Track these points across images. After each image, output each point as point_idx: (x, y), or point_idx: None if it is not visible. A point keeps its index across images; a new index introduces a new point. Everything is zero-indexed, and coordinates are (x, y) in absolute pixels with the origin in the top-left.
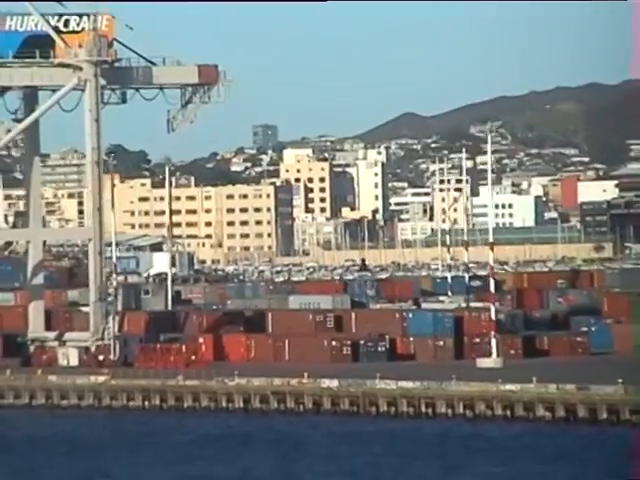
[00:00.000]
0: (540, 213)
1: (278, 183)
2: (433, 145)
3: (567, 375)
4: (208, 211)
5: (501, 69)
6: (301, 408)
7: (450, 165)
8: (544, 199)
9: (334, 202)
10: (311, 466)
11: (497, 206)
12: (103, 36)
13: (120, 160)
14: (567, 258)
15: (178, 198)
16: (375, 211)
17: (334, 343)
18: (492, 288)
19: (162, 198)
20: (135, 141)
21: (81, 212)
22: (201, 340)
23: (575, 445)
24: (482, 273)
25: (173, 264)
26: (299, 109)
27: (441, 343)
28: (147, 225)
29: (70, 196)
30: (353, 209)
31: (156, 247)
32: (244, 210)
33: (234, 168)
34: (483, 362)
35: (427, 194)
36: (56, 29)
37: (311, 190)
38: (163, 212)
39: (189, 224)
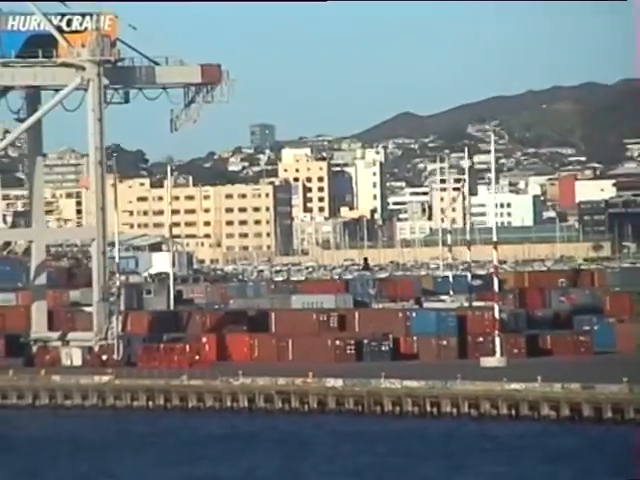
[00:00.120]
0: (538, 212)
1: (277, 183)
2: (430, 145)
3: (571, 374)
4: (207, 211)
5: (497, 69)
6: (306, 408)
7: (448, 165)
8: (542, 198)
9: (332, 202)
10: (316, 466)
11: (495, 205)
12: (106, 36)
13: (118, 160)
14: (566, 257)
15: (177, 198)
16: (374, 210)
17: (338, 343)
18: (496, 287)
19: (161, 198)
20: (133, 141)
21: (79, 212)
22: (204, 340)
23: (580, 444)
24: (481, 272)
25: (172, 264)
26: (296, 109)
27: (444, 342)
28: (146, 225)
29: (68, 196)
30: (352, 208)
31: (155, 247)
32: (243, 210)
33: (231, 168)
34: (487, 361)
35: (425, 193)
36: (59, 29)
37: (309, 190)
38: (162, 212)
39: (188, 224)
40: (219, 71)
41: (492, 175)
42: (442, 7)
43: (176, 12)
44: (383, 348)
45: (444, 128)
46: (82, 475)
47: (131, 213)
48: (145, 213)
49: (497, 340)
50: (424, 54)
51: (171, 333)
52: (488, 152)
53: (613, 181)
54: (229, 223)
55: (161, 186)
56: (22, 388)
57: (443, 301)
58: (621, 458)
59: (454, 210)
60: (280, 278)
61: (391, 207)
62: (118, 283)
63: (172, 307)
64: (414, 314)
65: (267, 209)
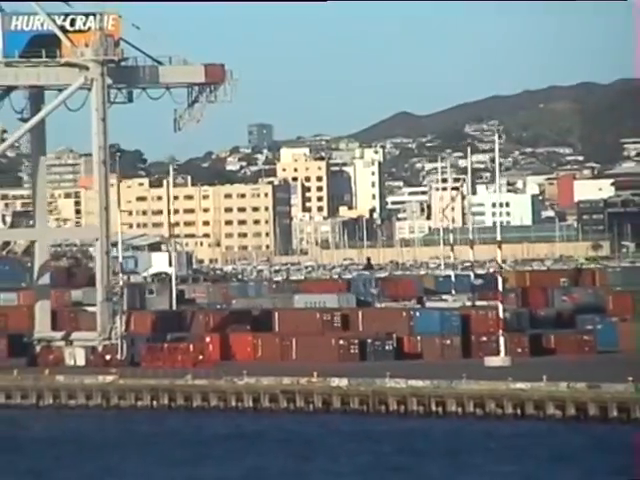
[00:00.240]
0: (537, 212)
1: (276, 182)
2: (428, 144)
3: (575, 373)
4: (206, 210)
5: (494, 68)
6: (311, 407)
7: (448, 164)
8: (540, 198)
9: (331, 201)
10: (321, 465)
11: (494, 205)
12: (110, 35)
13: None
14: (565, 257)
15: (176, 197)
16: (372, 210)
17: (341, 342)
18: (500, 286)
19: (160, 198)
20: (131, 141)
21: (78, 212)
22: (208, 339)
23: (586, 444)
24: (481, 272)
25: (172, 264)
26: (294, 108)
27: (448, 342)
28: (145, 225)
29: (67, 196)
30: (350, 208)
31: (154, 247)
32: (242, 209)
33: (229, 167)
34: (491, 361)
35: (424, 193)
36: (62, 28)
37: (308, 189)
38: (161, 212)
39: (187, 223)
40: (222, 71)
41: (496, 174)
42: (439, 7)
43: (179, 12)
44: (387, 347)
45: (442, 128)
46: (87, 475)
47: (130, 213)
48: (144, 213)
49: (501, 340)
50: (421, 54)
51: (174, 333)
52: (485, 152)
53: (611, 180)
54: (228, 223)
55: (160, 186)
56: (26, 388)
57: (445, 300)
58: (626, 458)
59: (453, 210)
60: (279, 278)
61: (390, 207)
62: (121, 283)
63: (174, 307)
64: (418, 314)
65: (266, 209)
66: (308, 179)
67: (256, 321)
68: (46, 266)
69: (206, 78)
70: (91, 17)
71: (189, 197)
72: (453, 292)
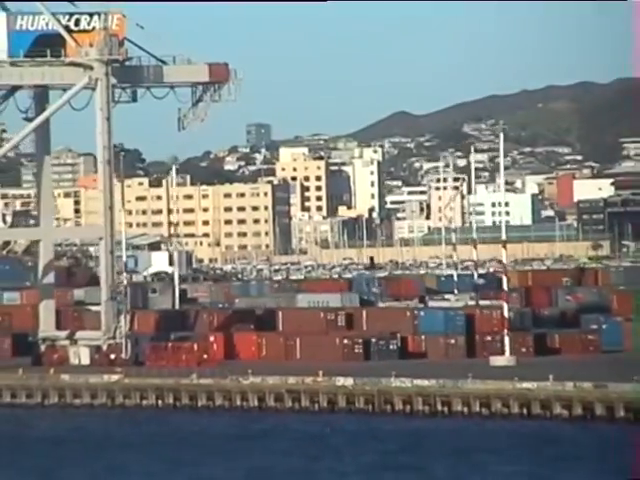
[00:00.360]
0: (537, 211)
1: (275, 182)
2: (427, 144)
3: (581, 373)
4: (205, 210)
5: (492, 68)
6: (316, 407)
7: (449, 164)
8: (540, 197)
9: (330, 201)
10: (327, 465)
11: (494, 204)
12: (114, 35)
13: (116, 159)
14: (565, 256)
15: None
16: (371, 209)
17: (346, 341)
18: (505, 286)
19: (159, 197)
20: (129, 140)
21: (77, 211)
22: (212, 339)
23: (592, 443)
24: (481, 271)
25: (172, 263)
26: (292, 108)
27: (452, 341)
28: (144, 224)
29: (66, 195)
30: (349, 208)
31: (154, 246)
32: (241, 209)
33: (227, 167)
34: (496, 360)
35: (423, 192)
36: (67, 28)
37: (307, 189)
38: (160, 211)
39: (186, 223)
40: (227, 70)
41: (501, 173)
42: (437, 7)
43: (183, 11)
44: (391, 347)
45: (440, 127)
46: (92, 474)
47: (130, 212)
48: (144, 212)
49: (506, 339)
50: (419, 53)
51: (178, 332)
52: (484, 151)
53: (611, 180)
54: (228, 222)
55: (159, 185)
56: (31, 387)
57: (448, 300)
58: (632, 458)
59: (452, 209)
60: (279, 277)
61: (389, 206)
62: (125, 282)
63: (177, 306)
64: (422, 313)
65: (266, 208)
66: (307, 179)
67: (260, 320)
68: (50, 265)
69: (210, 77)
70: (95, 17)
71: (188, 197)
72: (456, 292)
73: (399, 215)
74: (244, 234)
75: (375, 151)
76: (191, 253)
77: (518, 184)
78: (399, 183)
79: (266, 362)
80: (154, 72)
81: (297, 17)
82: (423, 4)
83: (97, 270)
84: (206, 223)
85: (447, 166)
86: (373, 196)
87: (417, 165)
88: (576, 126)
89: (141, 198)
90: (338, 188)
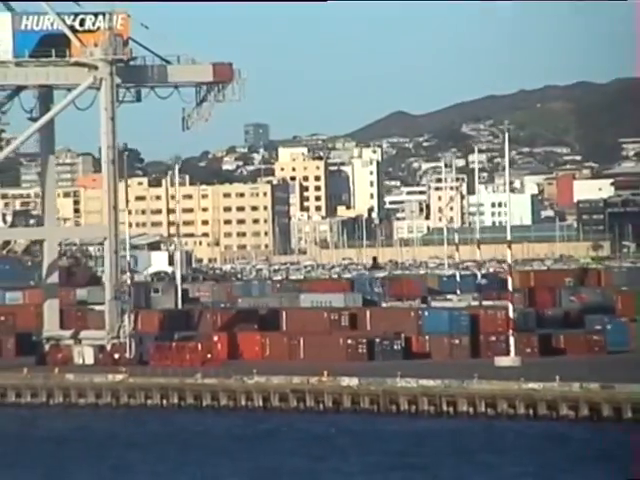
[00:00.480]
0: (536, 212)
1: (274, 182)
2: (425, 144)
3: (586, 374)
4: (205, 210)
5: (490, 68)
6: (321, 407)
7: (449, 164)
8: (539, 197)
9: (329, 201)
10: (332, 465)
11: (493, 204)
12: (118, 35)
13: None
14: (565, 257)
15: (174, 197)
16: (370, 209)
17: (349, 341)
18: (510, 286)
19: (158, 197)
20: (129, 140)
21: (77, 211)
22: (216, 338)
23: (599, 444)
24: (483, 272)
25: (172, 262)
26: (290, 108)
27: (457, 341)
28: (144, 224)
29: (66, 195)
30: (349, 207)
31: (154, 246)
32: (241, 209)
33: (226, 167)
34: (501, 360)
35: (422, 192)
36: (72, 28)
37: (306, 189)
38: (160, 211)
39: (186, 223)
40: (231, 70)
41: (506, 172)
42: (436, 7)
43: (188, 11)
44: (395, 347)
45: (438, 127)
46: (96, 473)
47: (129, 212)
48: (143, 212)
49: (511, 339)
50: (417, 53)
51: (182, 332)
52: (482, 151)
53: (611, 180)
54: (227, 222)
55: (159, 185)
56: (36, 386)
57: (450, 300)
58: (632, 458)
59: (452, 209)
60: (279, 277)
61: (388, 206)
62: (129, 282)
63: (180, 306)
64: (426, 313)
65: (265, 208)
66: (306, 179)
67: (263, 320)
68: (54, 265)
69: (214, 77)
70: (100, 17)
71: (188, 196)
72: (458, 292)
73: (398, 215)
74: (243, 234)
75: (374, 151)
76: (190, 253)
77: (517, 184)
78: (397, 183)
79: (270, 362)
80: (158, 72)
81: (296, 17)
82: (422, 4)
83: (97, 270)
84: (205, 223)
85: (447, 166)
86: (372, 196)
87: (415, 165)
88: (574, 126)
89: (140, 198)
90: (337, 188)
